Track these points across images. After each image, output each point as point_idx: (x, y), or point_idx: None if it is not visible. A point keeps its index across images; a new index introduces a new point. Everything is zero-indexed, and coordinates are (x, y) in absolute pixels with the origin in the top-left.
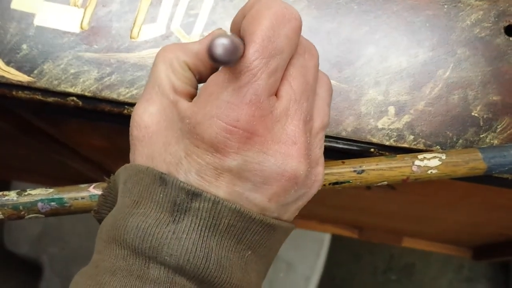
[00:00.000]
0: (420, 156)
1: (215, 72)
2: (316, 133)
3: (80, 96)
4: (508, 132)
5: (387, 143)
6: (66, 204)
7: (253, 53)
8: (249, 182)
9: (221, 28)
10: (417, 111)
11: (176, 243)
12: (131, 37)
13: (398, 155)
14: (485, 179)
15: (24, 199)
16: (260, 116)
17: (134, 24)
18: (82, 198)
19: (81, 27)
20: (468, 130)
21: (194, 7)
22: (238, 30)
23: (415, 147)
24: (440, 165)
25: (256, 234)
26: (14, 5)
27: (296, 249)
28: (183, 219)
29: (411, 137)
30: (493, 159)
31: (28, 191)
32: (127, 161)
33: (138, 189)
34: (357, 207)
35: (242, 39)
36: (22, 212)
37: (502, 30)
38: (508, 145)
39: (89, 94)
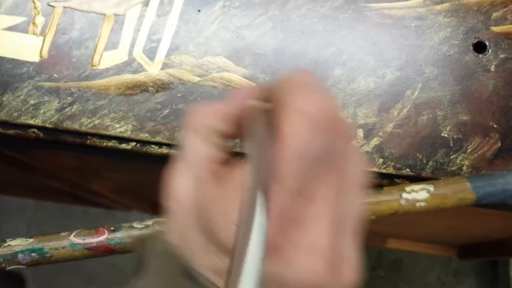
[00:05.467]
0: (408, 188)
1: (243, 132)
2: (349, 230)
3: (41, 128)
4: (479, 152)
5: None
6: (47, 255)
7: (281, 158)
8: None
9: (254, 86)
10: (385, 134)
11: None
12: (92, 65)
13: (385, 188)
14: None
15: (4, 251)
16: (280, 224)
17: (95, 51)
18: (63, 247)
19: (41, 56)
20: (438, 151)
21: (156, 31)
22: (267, 97)
23: (384, 170)
24: (428, 197)
25: None
26: None
27: None
28: None
29: (381, 160)
30: (482, 189)
31: (8, 242)
32: (102, 179)
33: (168, 274)
34: None
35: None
36: (3, 264)
37: (471, 47)
38: (497, 172)
39: (50, 126)
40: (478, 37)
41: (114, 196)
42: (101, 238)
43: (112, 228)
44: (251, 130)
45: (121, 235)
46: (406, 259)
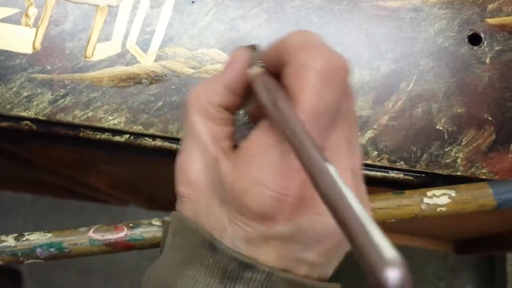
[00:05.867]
0: (429, 193)
1: (248, 98)
2: (360, 176)
3: (34, 120)
4: (473, 145)
5: None
6: (65, 250)
7: (301, 114)
8: (301, 243)
9: (241, 47)
10: (380, 126)
11: None
12: (85, 57)
13: (406, 191)
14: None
15: (22, 245)
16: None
17: (88, 43)
18: (82, 243)
19: (34, 48)
20: (432, 144)
21: (150, 23)
22: (270, 64)
23: (379, 163)
24: (449, 202)
25: None
26: None
27: None
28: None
29: (375, 152)
30: (503, 195)
31: (26, 236)
32: (98, 174)
33: (187, 248)
34: None
35: (277, 73)
36: (21, 258)
37: (466, 39)
38: None
39: (43, 118)
40: (473, 29)
41: (110, 191)
42: (121, 234)
43: (131, 224)
44: (259, 94)
45: (140, 232)
46: (402, 254)
